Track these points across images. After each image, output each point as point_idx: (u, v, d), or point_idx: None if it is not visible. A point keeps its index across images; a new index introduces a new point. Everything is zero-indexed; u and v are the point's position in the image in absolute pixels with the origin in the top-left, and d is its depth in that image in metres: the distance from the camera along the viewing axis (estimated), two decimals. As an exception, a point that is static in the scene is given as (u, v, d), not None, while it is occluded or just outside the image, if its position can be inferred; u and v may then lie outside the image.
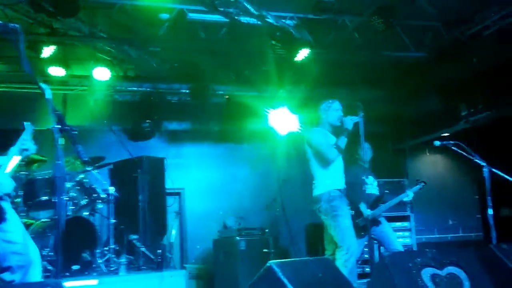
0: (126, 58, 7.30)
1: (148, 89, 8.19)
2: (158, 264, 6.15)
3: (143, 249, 6.56)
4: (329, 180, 4.94)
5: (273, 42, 6.72)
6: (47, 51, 6.34)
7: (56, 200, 2.47)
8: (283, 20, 6.55)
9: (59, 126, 2.67)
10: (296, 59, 6.69)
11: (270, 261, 2.67)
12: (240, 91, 8.28)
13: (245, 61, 7.61)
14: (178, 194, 8.70)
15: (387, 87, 8.11)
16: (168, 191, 7.88)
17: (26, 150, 3.08)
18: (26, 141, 3.13)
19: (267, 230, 7.16)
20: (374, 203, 5.53)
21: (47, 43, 6.32)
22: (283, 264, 2.66)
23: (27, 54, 6.09)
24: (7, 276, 2.90)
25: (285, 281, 2.49)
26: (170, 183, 7.83)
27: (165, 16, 6.48)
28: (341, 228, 4.71)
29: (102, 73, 7.12)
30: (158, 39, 6.64)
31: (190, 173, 8.59)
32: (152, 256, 6.61)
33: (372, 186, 5.67)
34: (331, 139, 4.99)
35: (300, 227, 8.64)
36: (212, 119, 8.69)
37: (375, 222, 5.44)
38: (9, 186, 2.77)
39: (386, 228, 5.56)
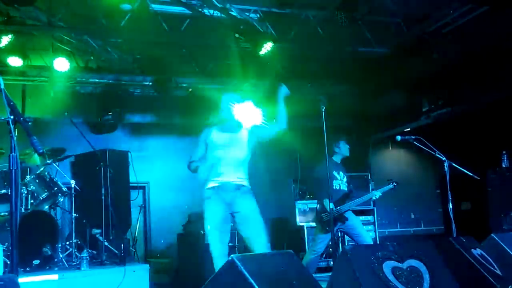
0: (87, 49, 7.10)
1: (110, 81, 8.02)
2: (121, 258, 6.05)
3: (106, 243, 6.46)
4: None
5: (237, 35, 6.66)
6: (4, 40, 6.12)
7: (12, 193, 2.38)
8: (247, 14, 6.53)
9: (13, 117, 2.58)
10: (259, 52, 6.67)
11: (232, 255, 2.66)
12: (203, 84, 8.22)
13: (208, 54, 7.56)
14: (142, 188, 8.60)
15: (351, 82, 8.20)
16: (132, 184, 7.77)
17: None
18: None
19: (232, 224, 7.15)
20: (342, 199, 5.55)
21: (4, 32, 6.09)
22: (245, 258, 2.65)
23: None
24: None
25: (247, 275, 2.49)
26: (134, 177, 7.71)
27: (127, 6, 6.33)
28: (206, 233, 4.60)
29: (62, 64, 6.94)
30: (120, 30, 6.51)
31: (154, 167, 8.50)
32: (115, 251, 6.51)
33: (342, 182, 5.69)
34: None
35: (266, 220, 8.65)
36: (175, 112, 8.60)
37: (342, 217, 5.44)
38: None
39: (354, 222, 5.57)
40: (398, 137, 5.32)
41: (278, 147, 8.93)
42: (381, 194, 5.69)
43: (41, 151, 2.61)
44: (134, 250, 7.45)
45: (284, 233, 8.27)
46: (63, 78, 7.35)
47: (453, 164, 5.15)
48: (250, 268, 2.54)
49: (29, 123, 2.71)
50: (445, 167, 5.10)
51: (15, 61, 6.78)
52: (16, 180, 2.43)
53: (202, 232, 6.60)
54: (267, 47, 6.50)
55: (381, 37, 7.30)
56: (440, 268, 3.29)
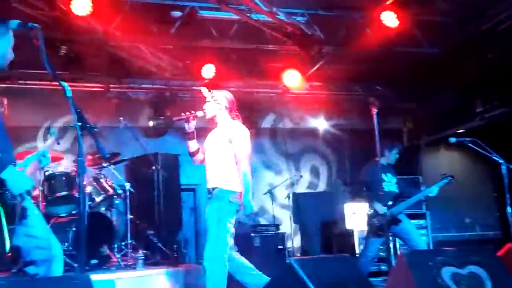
0: (139, 56, 7.32)
1: (161, 86, 8.23)
2: (175, 259, 6.21)
3: (159, 244, 6.63)
4: None
5: (285, 38, 6.69)
6: (63, 49, 6.40)
7: (79, 196, 2.50)
8: (294, 17, 6.55)
9: (81, 124, 2.71)
10: (308, 55, 6.67)
11: (290, 258, 2.68)
12: (251, 88, 8.30)
13: (256, 57, 7.61)
14: (193, 190, 8.74)
15: (402, 83, 8.07)
16: (183, 187, 7.95)
17: (40, 162, 3.21)
18: (43, 154, 3.25)
19: (281, 227, 7.19)
20: (393, 200, 5.46)
21: (63, 42, 6.36)
22: (303, 262, 2.67)
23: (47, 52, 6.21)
24: (31, 269, 2.97)
25: (305, 278, 2.51)
26: (185, 179, 7.88)
27: (177, 14, 6.51)
28: None
29: (117, 71, 7.19)
30: (170, 36, 6.67)
31: (204, 170, 8.60)
32: (168, 252, 6.68)
33: (391, 183, 5.60)
34: None
35: (314, 224, 8.65)
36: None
37: (395, 220, 5.33)
38: (28, 183, 2.82)
39: (407, 226, 5.45)
40: (453, 139, 5.20)
41: (328, 149, 8.95)
42: (438, 189, 5.47)
43: (107, 156, 2.73)
44: (185, 251, 7.61)
45: (333, 236, 8.22)
46: (117, 84, 7.60)
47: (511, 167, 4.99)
48: (307, 271, 2.56)
49: (95, 129, 2.83)
50: (503, 169, 4.94)
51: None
52: (83, 183, 2.55)
53: (252, 234, 6.67)
54: (315, 50, 6.50)
55: (432, 36, 7.15)
56: (502, 275, 3.19)
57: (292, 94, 8.03)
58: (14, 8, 5.63)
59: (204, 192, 8.65)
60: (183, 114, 4.23)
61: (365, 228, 5.87)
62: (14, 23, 2.95)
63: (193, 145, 4.46)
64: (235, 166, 4.25)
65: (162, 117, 8.27)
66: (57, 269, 3.08)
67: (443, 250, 3.36)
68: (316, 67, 7.29)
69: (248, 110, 8.34)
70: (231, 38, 6.72)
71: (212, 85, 7.74)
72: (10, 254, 2.79)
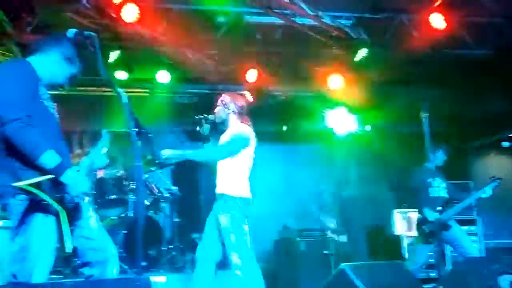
0: (185, 61, 7.45)
1: (206, 91, 8.33)
2: (221, 263, 6.25)
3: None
4: None
5: (330, 42, 6.66)
6: (113, 55, 6.58)
7: (136, 200, 2.57)
8: (339, 20, 6.51)
9: (137, 129, 2.78)
10: (354, 59, 6.62)
11: (343, 264, 2.66)
12: (297, 92, 8.29)
13: (301, 62, 7.60)
14: (237, 194, 8.79)
15: (450, 86, 7.86)
16: (227, 191, 7.99)
17: (95, 165, 3.30)
18: (98, 155, 3.33)
19: (327, 232, 7.13)
20: (443, 206, 5.33)
21: (112, 48, 6.55)
22: (356, 267, 2.64)
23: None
24: (86, 270, 3.05)
25: (359, 283, 2.48)
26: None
27: (222, 19, 6.60)
28: None
29: (163, 76, 7.34)
30: (216, 42, 6.75)
31: (250, 174, 8.64)
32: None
33: (439, 188, 5.46)
34: None
35: (360, 229, 8.54)
36: (269, 120, 8.72)
37: (445, 226, 5.18)
38: (85, 185, 2.90)
39: (458, 232, 5.30)
40: (506, 143, 5.06)
41: (373, 154, 8.81)
42: (492, 190, 5.32)
43: (162, 161, 2.79)
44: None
45: (380, 242, 8.08)
46: (163, 89, 7.74)
47: None
48: (361, 277, 2.53)
49: (150, 135, 2.89)
50: (560, 174, 4.75)
51: (121, 75, 7.26)
52: (141, 188, 2.62)
53: (298, 239, 6.65)
54: (361, 53, 6.44)
55: (481, 38, 6.96)
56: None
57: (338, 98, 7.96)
58: (68, 18, 5.85)
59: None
60: (196, 117, 4.16)
61: (413, 234, 5.75)
62: (71, 32, 3.06)
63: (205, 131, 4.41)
64: (243, 171, 4.29)
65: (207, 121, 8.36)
66: (112, 271, 3.15)
67: (499, 258, 3.26)
68: (361, 70, 7.20)
69: (294, 114, 8.36)
70: (276, 42, 6.75)
71: (256, 89, 7.83)
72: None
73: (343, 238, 7.98)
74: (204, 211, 7.24)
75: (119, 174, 6.08)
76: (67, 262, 5.28)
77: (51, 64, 3.00)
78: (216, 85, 8.15)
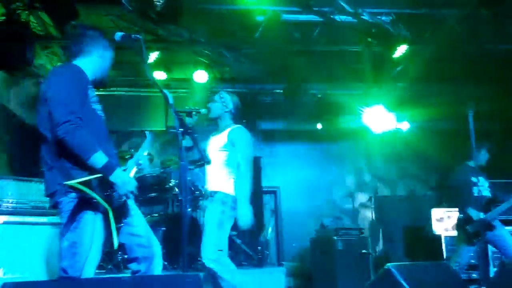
0: (223, 61, 7.52)
1: (243, 90, 8.39)
2: (259, 260, 6.30)
3: (242, 245, 6.76)
4: None
5: (369, 39, 6.59)
6: (152, 56, 6.72)
7: (182, 197, 2.63)
8: (379, 17, 6.44)
9: (182, 129, 2.84)
10: (393, 56, 6.54)
11: (388, 264, 2.64)
12: (333, 90, 8.25)
13: (339, 59, 7.56)
14: (273, 192, 8.85)
15: (494, 82, 7.66)
16: (264, 189, 8.06)
17: (140, 165, 3.36)
18: (142, 157, 3.41)
19: (364, 231, 7.07)
20: (486, 205, 5.20)
21: (152, 49, 6.68)
22: (401, 267, 2.62)
23: (135, 60, 6.58)
24: (134, 266, 3.13)
25: (404, 284, 2.46)
26: (266, 182, 7.98)
27: (260, 18, 6.62)
28: None
29: (201, 76, 7.45)
30: (253, 41, 6.79)
31: (285, 172, 8.70)
32: (250, 253, 6.80)
33: (483, 187, 5.33)
34: None
35: (397, 228, 8.44)
36: (305, 118, 8.73)
37: (489, 226, 5.05)
38: (132, 185, 2.96)
39: (502, 232, 5.15)
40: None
41: (412, 151, 8.69)
42: None
43: (208, 160, 2.84)
44: (267, 253, 7.70)
45: (419, 242, 7.96)
46: (201, 89, 7.84)
47: None
48: (407, 277, 2.51)
49: (195, 135, 2.95)
50: None
51: (160, 75, 7.41)
52: (186, 186, 2.67)
53: (335, 238, 6.62)
54: (401, 50, 6.35)
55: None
56: None
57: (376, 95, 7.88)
58: (108, 20, 6.01)
59: (285, 194, 8.83)
60: (186, 107, 4.01)
61: (453, 233, 5.63)
62: (118, 35, 3.14)
63: (187, 142, 4.26)
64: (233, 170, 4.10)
65: (244, 121, 8.42)
66: (157, 267, 3.23)
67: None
68: (401, 67, 7.12)
69: (331, 112, 8.32)
70: (314, 40, 6.72)
71: (292, 88, 7.84)
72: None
73: (380, 237, 7.92)
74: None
75: (158, 172, 6.19)
76: (109, 257, 5.43)
77: (93, 65, 3.08)
78: (253, 84, 8.22)
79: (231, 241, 6.94)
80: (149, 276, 2.86)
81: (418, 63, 6.83)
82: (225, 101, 4.21)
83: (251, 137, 4.24)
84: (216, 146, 4.10)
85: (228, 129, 4.11)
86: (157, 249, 3.17)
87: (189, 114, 3.95)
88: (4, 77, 6.43)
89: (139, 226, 3.15)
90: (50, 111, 2.74)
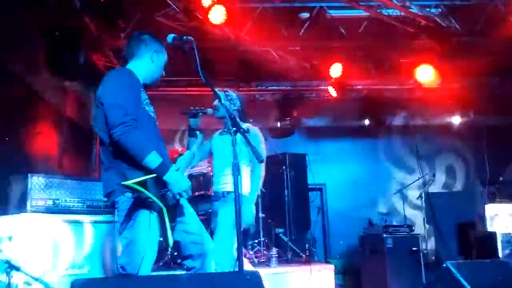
0: (269, 59, 7.52)
1: (287, 87, 8.39)
2: (307, 258, 6.30)
3: (290, 243, 6.77)
4: None
5: (418, 32, 6.44)
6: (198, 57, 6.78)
7: (235, 196, 2.66)
8: (428, 9, 6.29)
9: (234, 129, 2.87)
10: (443, 49, 6.36)
11: (447, 262, 2.59)
12: (379, 85, 8.12)
13: (386, 54, 7.43)
14: (320, 189, 8.81)
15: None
16: (310, 186, 8.03)
17: (193, 165, 3.42)
18: (194, 154, 3.46)
19: (414, 228, 6.93)
20: None
21: (196, 48, 6.75)
22: (461, 265, 2.56)
23: (181, 59, 6.66)
24: (189, 263, 3.20)
25: (464, 282, 2.40)
26: (312, 179, 7.96)
27: (305, 15, 6.59)
28: None
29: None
30: (299, 38, 6.76)
31: (331, 169, 8.64)
32: (298, 250, 6.79)
33: None
34: None
35: (449, 225, 8.22)
36: (350, 114, 8.64)
37: None
38: (185, 183, 3.00)
39: None
40: None
41: (464, 147, 8.45)
42: None
43: (261, 159, 2.86)
44: (314, 250, 7.67)
45: (472, 239, 7.72)
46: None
47: None
48: (466, 275, 2.45)
49: (248, 133, 2.97)
50: None
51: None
52: (237, 184, 2.70)
53: (384, 235, 6.52)
54: (451, 42, 6.18)
55: None
56: None
57: (424, 90, 7.69)
58: (157, 21, 6.13)
59: (331, 191, 8.78)
60: (191, 108, 3.88)
61: (510, 231, 5.44)
62: (170, 37, 3.20)
63: (193, 143, 4.19)
64: (248, 170, 4.10)
65: (289, 118, 8.44)
66: (210, 264, 3.28)
67: None
68: (451, 61, 6.91)
69: (377, 108, 8.20)
70: (361, 35, 6.63)
71: (339, 84, 7.76)
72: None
73: (431, 235, 7.74)
74: (289, 206, 7.34)
75: (205, 171, 6.27)
76: (159, 255, 5.54)
77: (143, 69, 3.14)
78: (299, 81, 8.19)
79: (278, 238, 6.98)
80: (209, 273, 2.91)
81: (469, 56, 6.62)
82: (232, 99, 4.16)
83: (263, 137, 4.22)
84: (226, 146, 4.00)
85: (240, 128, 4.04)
86: (210, 247, 3.22)
87: (194, 115, 3.83)
88: (57, 81, 6.67)
89: (192, 224, 3.21)
90: (106, 114, 2.82)
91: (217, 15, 5.64)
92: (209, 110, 3.97)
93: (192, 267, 3.22)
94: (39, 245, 3.92)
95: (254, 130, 4.12)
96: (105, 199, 3.06)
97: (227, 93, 4.21)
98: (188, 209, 3.33)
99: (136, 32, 3.32)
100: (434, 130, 8.53)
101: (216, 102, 4.13)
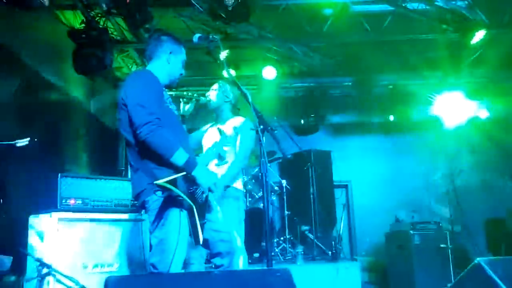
0: (291, 56, 7.53)
1: (311, 84, 8.36)
2: (333, 255, 6.28)
3: (315, 240, 6.75)
4: None
5: (444, 26, 6.34)
6: (222, 55, 6.82)
7: (263, 194, 2.67)
8: (453, 2, 6.18)
9: (262, 127, 2.88)
10: (471, 42, 6.25)
11: (478, 258, 2.54)
12: (405, 80, 8.02)
13: (411, 49, 7.34)
14: (345, 186, 8.76)
15: None
16: (335, 183, 8.00)
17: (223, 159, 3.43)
18: (220, 147, 3.46)
19: (442, 225, 6.84)
20: None
21: (222, 48, 6.78)
22: (492, 262, 2.52)
23: (206, 59, 6.72)
24: (217, 260, 3.23)
25: (498, 280, 2.36)
26: (337, 176, 7.92)
27: (328, 11, 6.56)
28: None
29: (270, 72, 7.48)
30: (323, 34, 6.73)
31: (356, 166, 8.58)
32: (323, 247, 6.78)
33: None
34: None
35: (477, 222, 8.09)
36: (375, 110, 8.55)
37: None
38: (213, 179, 3.01)
39: None
40: None
41: (491, 141, 8.28)
42: None
43: (289, 156, 2.87)
44: (340, 247, 7.63)
45: (500, 235, 7.60)
46: (270, 85, 7.88)
47: None
48: (500, 273, 2.41)
49: (275, 131, 2.97)
50: None
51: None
52: (267, 182, 2.71)
53: (411, 232, 6.45)
54: (479, 35, 6.06)
55: None
56: None
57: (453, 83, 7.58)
58: (181, 22, 6.18)
59: (356, 188, 8.72)
60: (185, 93, 3.83)
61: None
62: (195, 37, 3.23)
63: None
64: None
65: (313, 115, 8.42)
66: (238, 261, 3.31)
67: None
68: (478, 54, 6.81)
69: (403, 103, 8.11)
70: (385, 30, 6.56)
71: (362, 80, 7.71)
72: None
73: (459, 231, 7.63)
74: (314, 204, 7.33)
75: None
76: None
77: (162, 69, 3.15)
78: (322, 78, 8.16)
79: (304, 235, 6.97)
80: (240, 270, 2.93)
81: (497, 49, 6.49)
82: (225, 91, 4.09)
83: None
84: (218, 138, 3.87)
85: (232, 121, 3.98)
86: (238, 244, 3.24)
87: (188, 100, 3.76)
88: (85, 82, 6.79)
89: (220, 222, 3.24)
90: (130, 115, 2.84)
91: (241, 14, 5.65)
92: (203, 98, 3.91)
93: (220, 265, 3.26)
94: (69, 243, 4.00)
95: (248, 124, 3.96)
96: (133, 199, 3.08)
97: (219, 83, 4.15)
98: (216, 206, 3.35)
99: (155, 34, 3.34)
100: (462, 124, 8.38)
101: (212, 93, 4.07)
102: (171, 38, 3.23)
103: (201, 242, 2.90)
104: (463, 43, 6.28)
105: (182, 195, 2.78)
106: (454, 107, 7.75)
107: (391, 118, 8.51)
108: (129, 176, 3.18)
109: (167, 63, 3.16)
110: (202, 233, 2.95)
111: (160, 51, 3.16)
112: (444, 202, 8.16)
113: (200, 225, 2.93)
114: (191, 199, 2.86)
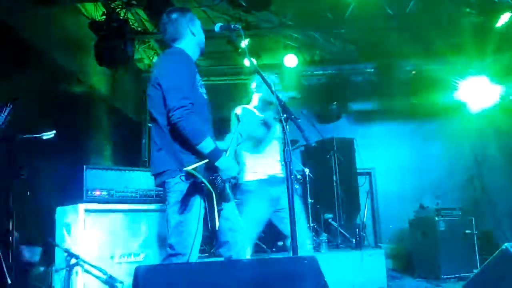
0: (313, 43, 7.46)
1: (333, 72, 8.29)
2: (357, 243, 6.26)
3: (339, 228, 6.74)
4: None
5: (468, 9, 6.20)
6: (244, 44, 6.81)
7: (287, 184, 2.66)
8: (478, -16, 6.05)
9: (285, 116, 2.87)
10: (496, 25, 6.10)
11: (506, 244, 2.50)
12: (428, 65, 7.89)
13: (434, 33, 7.19)
14: (368, 173, 8.70)
15: None
16: (358, 171, 7.95)
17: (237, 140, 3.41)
18: (239, 133, 3.45)
19: (467, 210, 6.74)
20: None
21: (243, 36, 6.77)
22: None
23: (227, 49, 6.71)
24: (224, 251, 3.15)
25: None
26: (360, 163, 7.86)
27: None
28: None
29: (291, 60, 7.44)
30: (344, 21, 6.65)
31: (379, 153, 8.50)
32: (347, 235, 6.76)
33: None
34: None
35: (503, 207, 7.95)
36: (398, 96, 8.44)
37: None
38: (235, 169, 3.01)
39: None
40: None
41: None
42: None
43: (313, 144, 2.85)
44: (364, 235, 7.60)
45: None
46: (291, 73, 7.83)
47: None
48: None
49: (299, 120, 2.96)
50: None
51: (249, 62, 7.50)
52: (291, 171, 2.71)
53: (436, 218, 6.39)
54: (504, 18, 5.91)
55: None
56: None
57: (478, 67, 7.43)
58: (201, 12, 6.17)
59: (380, 175, 8.65)
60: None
61: None
62: (217, 26, 3.21)
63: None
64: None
65: (335, 102, 8.36)
66: (245, 252, 3.23)
67: None
68: (504, 37, 6.62)
69: (426, 89, 7.98)
70: (408, 15, 6.44)
71: (384, 65, 7.60)
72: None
73: (484, 217, 7.51)
74: (337, 191, 7.30)
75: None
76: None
77: (191, 44, 3.13)
78: (344, 64, 8.08)
79: (328, 223, 6.95)
80: (267, 258, 2.92)
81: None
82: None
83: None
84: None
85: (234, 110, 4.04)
86: (244, 234, 3.19)
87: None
88: (107, 73, 6.85)
89: (230, 211, 3.17)
90: (164, 96, 2.84)
91: (261, 2, 5.63)
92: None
93: (228, 256, 3.17)
94: (96, 234, 4.07)
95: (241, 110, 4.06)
96: (152, 175, 3.02)
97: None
98: (230, 196, 3.34)
99: (164, 18, 3.24)
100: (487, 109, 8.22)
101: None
102: (180, 12, 3.19)
103: (217, 228, 2.88)
104: (488, 26, 6.13)
105: (205, 182, 2.79)
106: (479, 92, 7.60)
107: (414, 103, 8.36)
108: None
109: (192, 36, 3.15)
110: (219, 220, 2.94)
111: (180, 29, 3.13)
112: (469, 187, 8.06)
113: (218, 212, 2.93)
114: (212, 186, 2.86)
